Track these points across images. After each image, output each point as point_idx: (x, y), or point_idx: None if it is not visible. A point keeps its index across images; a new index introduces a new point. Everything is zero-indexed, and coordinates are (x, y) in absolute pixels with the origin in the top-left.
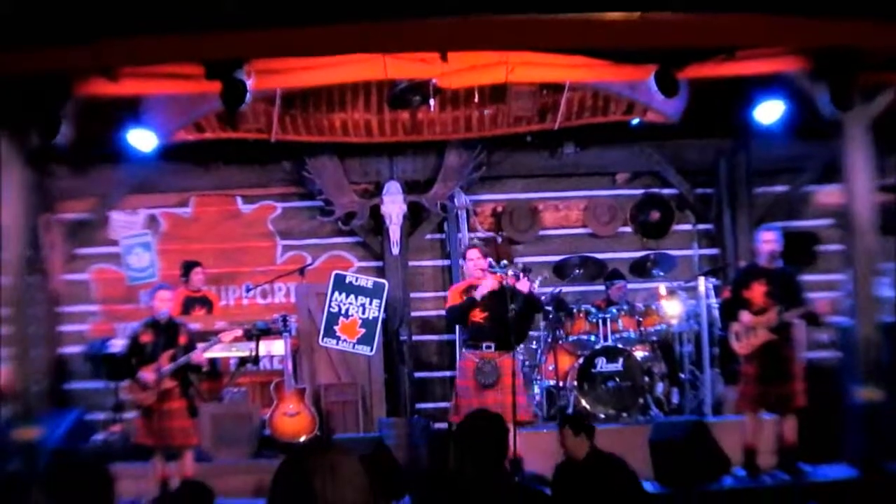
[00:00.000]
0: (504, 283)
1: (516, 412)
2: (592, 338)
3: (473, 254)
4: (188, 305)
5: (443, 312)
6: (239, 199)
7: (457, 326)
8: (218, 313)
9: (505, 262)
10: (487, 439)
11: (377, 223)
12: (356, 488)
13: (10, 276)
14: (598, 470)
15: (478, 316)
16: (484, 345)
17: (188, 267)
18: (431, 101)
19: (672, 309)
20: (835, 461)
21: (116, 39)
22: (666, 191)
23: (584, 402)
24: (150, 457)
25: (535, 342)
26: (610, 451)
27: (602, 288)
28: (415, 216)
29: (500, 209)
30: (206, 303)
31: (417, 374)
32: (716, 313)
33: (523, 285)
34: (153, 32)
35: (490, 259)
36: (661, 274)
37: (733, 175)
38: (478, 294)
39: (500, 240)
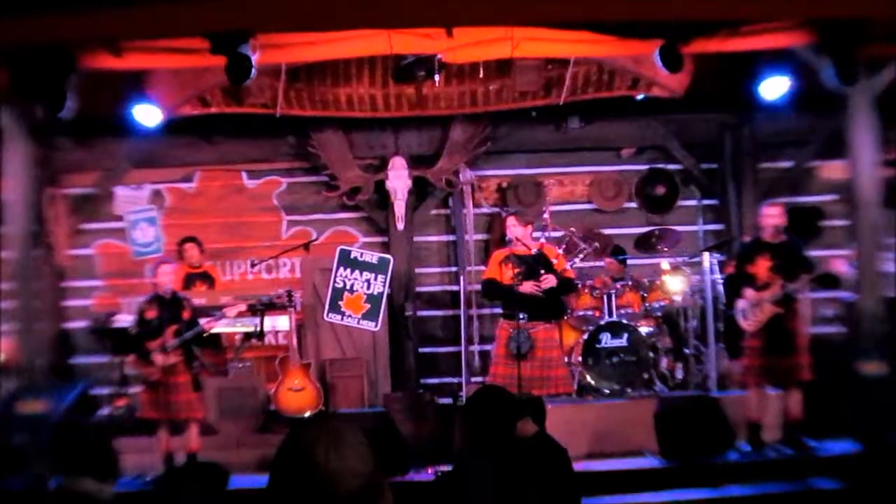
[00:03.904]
0: (534, 253)
1: (557, 384)
2: (597, 313)
3: (512, 221)
4: (189, 281)
5: (448, 287)
6: (244, 174)
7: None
8: (220, 288)
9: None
10: (490, 415)
11: (382, 198)
12: (359, 457)
13: (15, 250)
14: (535, 451)
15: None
16: (519, 315)
17: (181, 242)
18: (436, 76)
19: (676, 284)
20: (840, 435)
21: (120, 9)
22: (671, 165)
23: (588, 378)
24: (154, 430)
25: None
26: (614, 425)
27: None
28: (420, 191)
29: (505, 184)
30: (208, 278)
31: (422, 349)
32: (720, 288)
33: (549, 282)
34: (158, 1)
35: (530, 227)
36: (666, 249)
37: (738, 149)
38: (521, 290)
39: (504, 214)
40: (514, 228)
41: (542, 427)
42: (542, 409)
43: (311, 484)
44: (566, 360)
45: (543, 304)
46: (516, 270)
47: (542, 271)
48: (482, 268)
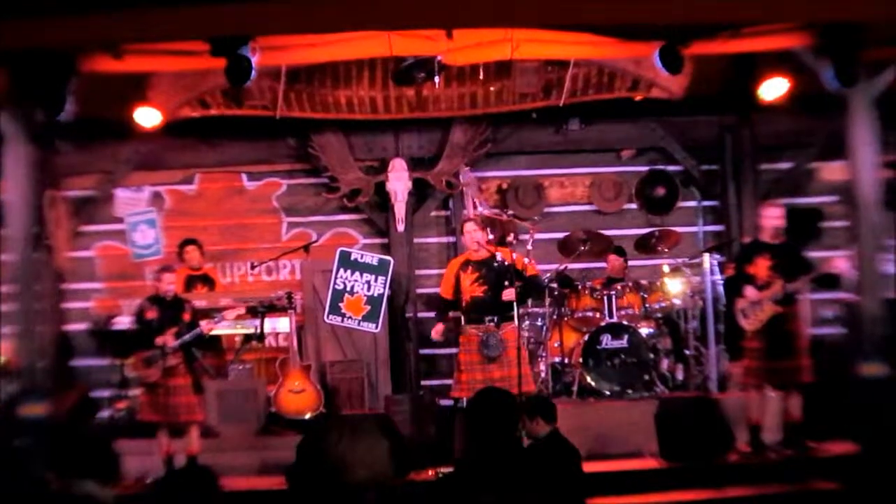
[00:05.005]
0: (496, 256)
1: (521, 384)
2: (598, 314)
3: (470, 226)
4: (189, 283)
5: None
6: (244, 176)
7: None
8: (220, 290)
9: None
10: (498, 415)
11: (382, 200)
12: (372, 451)
13: (15, 252)
14: (547, 451)
15: (478, 290)
16: (487, 318)
17: (182, 245)
18: (436, 78)
19: (677, 285)
20: (839, 437)
21: (121, 12)
22: (671, 167)
23: (589, 379)
24: (155, 433)
25: (540, 319)
26: (614, 427)
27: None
28: (420, 193)
29: (505, 185)
30: (208, 280)
31: (422, 351)
32: (720, 289)
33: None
34: (158, 5)
35: (486, 232)
36: (666, 250)
37: (738, 151)
38: (505, 299)
39: (505, 216)
40: (475, 234)
41: (555, 427)
42: (553, 409)
43: (322, 470)
44: (567, 360)
45: (507, 307)
46: (476, 275)
47: (506, 278)
48: None
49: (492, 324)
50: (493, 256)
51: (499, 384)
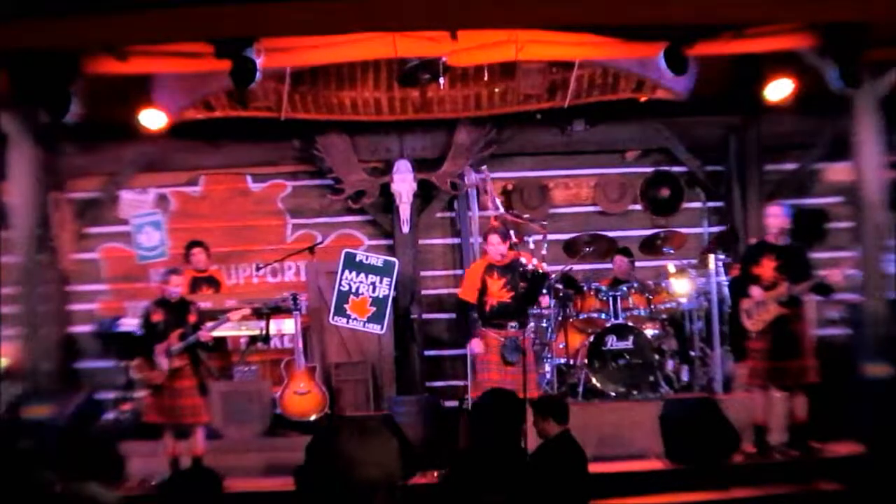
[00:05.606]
0: (520, 261)
1: (527, 388)
2: (603, 315)
3: (495, 239)
4: (195, 286)
5: (453, 290)
6: (249, 178)
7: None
8: (226, 292)
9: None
10: (506, 416)
11: (387, 201)
12: (383, 450)
13: (20, 254)
14: (555, 452)
15: (506, 296)
16: (510, 324)
17: (188, 247)
18: (441, 79)
19: (682, 286)
20: (844, 438)
21: (125, 13)
22: (676, 168)
23: (594, 380)
24: (160, 435)
25: (545, 320)
26: (619, 428)
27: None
28: (425, 194)
29: (510, 187)
30: (213, 282)
31: (427, 352)
32: (726, 290)
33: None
34: (159, 5)
35: (510, 237)
36: (672, 251)
37: (743, 152)
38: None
39: (510, 217)
40: (499, 246)
41: (566, 428)
42: (565, 409)
43: (332, 470)
44: (573, 362)
45: (526, 313)
46: (503, 281)
47: (532, 283)
48: None
49: (514, 329)
50: (517, 261)
51: (510, 387)
